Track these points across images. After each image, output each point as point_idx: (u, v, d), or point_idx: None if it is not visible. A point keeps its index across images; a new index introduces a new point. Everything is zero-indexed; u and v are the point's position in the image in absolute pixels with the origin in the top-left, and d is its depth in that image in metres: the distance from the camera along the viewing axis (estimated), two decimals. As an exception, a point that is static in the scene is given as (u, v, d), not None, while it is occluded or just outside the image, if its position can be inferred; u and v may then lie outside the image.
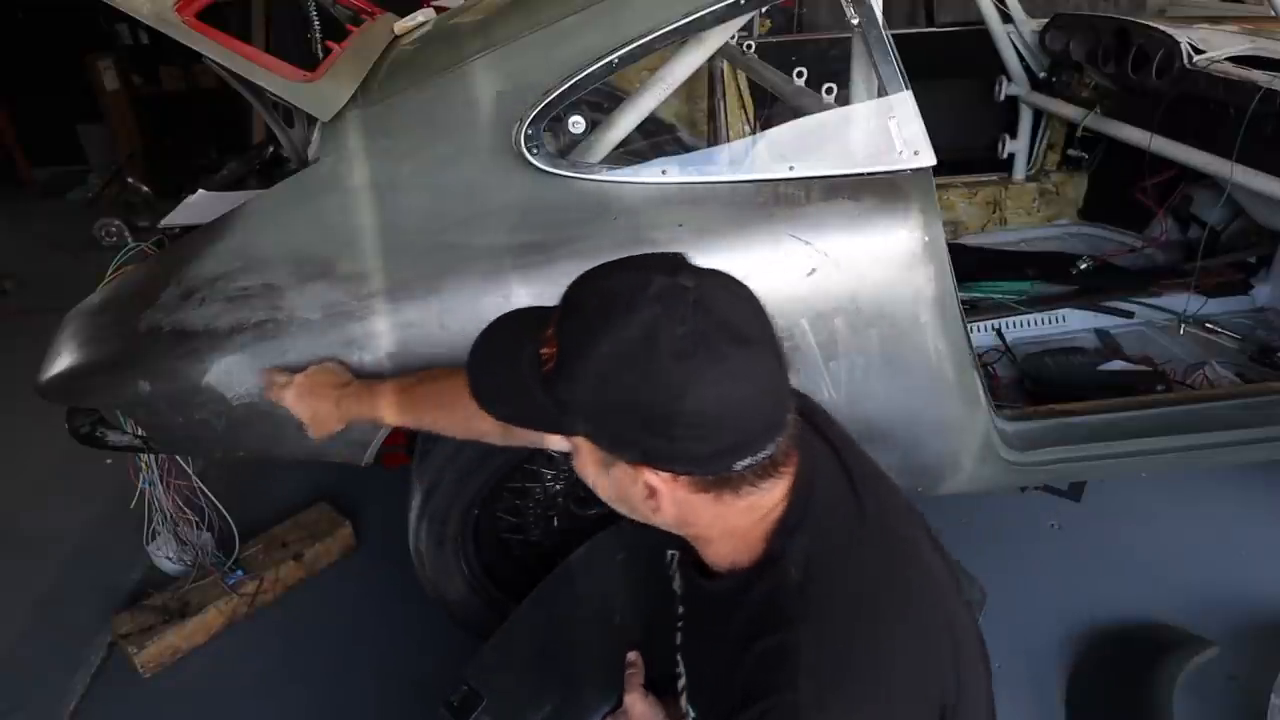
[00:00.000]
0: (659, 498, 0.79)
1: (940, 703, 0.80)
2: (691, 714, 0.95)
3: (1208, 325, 2.34)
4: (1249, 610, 1.94)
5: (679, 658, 0.99)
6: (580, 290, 0.80)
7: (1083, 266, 2.60)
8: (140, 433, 1.51)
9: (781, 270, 1.44)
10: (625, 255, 0.84)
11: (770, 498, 0.81)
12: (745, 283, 0.80)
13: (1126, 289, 2.46)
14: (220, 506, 1.88)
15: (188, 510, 1.87)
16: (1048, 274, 2.60)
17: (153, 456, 1.73)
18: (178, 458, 1.77)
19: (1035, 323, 2.40)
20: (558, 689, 1.27)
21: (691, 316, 0.72)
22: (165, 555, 2.05)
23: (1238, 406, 1.82)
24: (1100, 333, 2.39)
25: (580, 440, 0.81)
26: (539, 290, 1.43)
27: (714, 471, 0.76)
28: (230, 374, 1.43)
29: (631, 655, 1.20)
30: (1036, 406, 1.83)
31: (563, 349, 0.76)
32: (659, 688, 1.18)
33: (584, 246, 1.45)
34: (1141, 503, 2.27)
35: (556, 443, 0.88)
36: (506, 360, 0.83)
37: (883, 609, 0.79)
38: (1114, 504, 2.25)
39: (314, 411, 1.36)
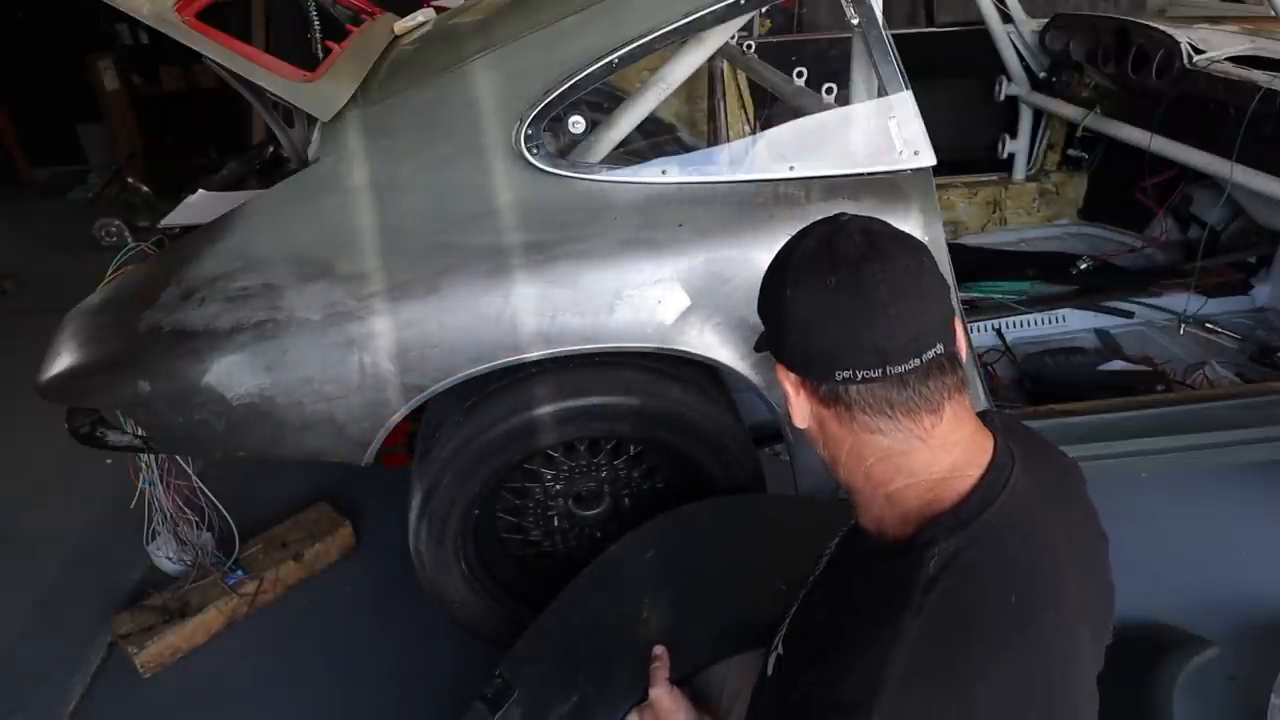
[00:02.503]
0: (791, 402, 0.88)
1: None
2: (779, 650, 0.97)
3: (1208, 325, 2.34)
4: (1249, 610, 1.94)
5: (797, 608, 1.00)
6: None
7: (1083, 266, 2.60)
8: (140, 433, 1.51)
9: (781, 270, 1.44)
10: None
11: (912, 459, 0.83)
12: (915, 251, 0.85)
13: (1126, 289, 2.46)
14: (220, 506, 1.89)
15: (188, 510, 1.88)
16: (1048, 274, 2.60)
17: (153, 456, 1.73)
18: (178, 458, 1.77)
19: (1035, 323, 2.40)
20: (586, 681, 1.29)
21: (828, 234, 0.84)
22: (165, 555, 2.05)
23: (1238, 406, 1.82)
24: (1100, 333, 2.39)
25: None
26: (540, 290, 1.43)
27: (818, 376, 0.83)
28: (230, 374, 1.43)
29: (658, 649, 1.21)
30: (1036, 406, 1.83)
31: None
32: (684, 683, 1.19)
33: (584, 246, 1.45)
34: (1141, 503, 2.27)
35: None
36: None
37: (994, 637, 0.78)
38: (1114, 504, 2.23)
39: None
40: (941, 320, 0.82)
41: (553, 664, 1.35)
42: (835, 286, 0.81)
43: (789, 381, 0.87)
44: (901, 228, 1.48)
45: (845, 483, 0.90)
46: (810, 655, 0.85)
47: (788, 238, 0.90)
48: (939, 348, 0.81)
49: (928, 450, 0.83)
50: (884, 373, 0.80)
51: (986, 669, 0.76)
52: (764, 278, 0.88)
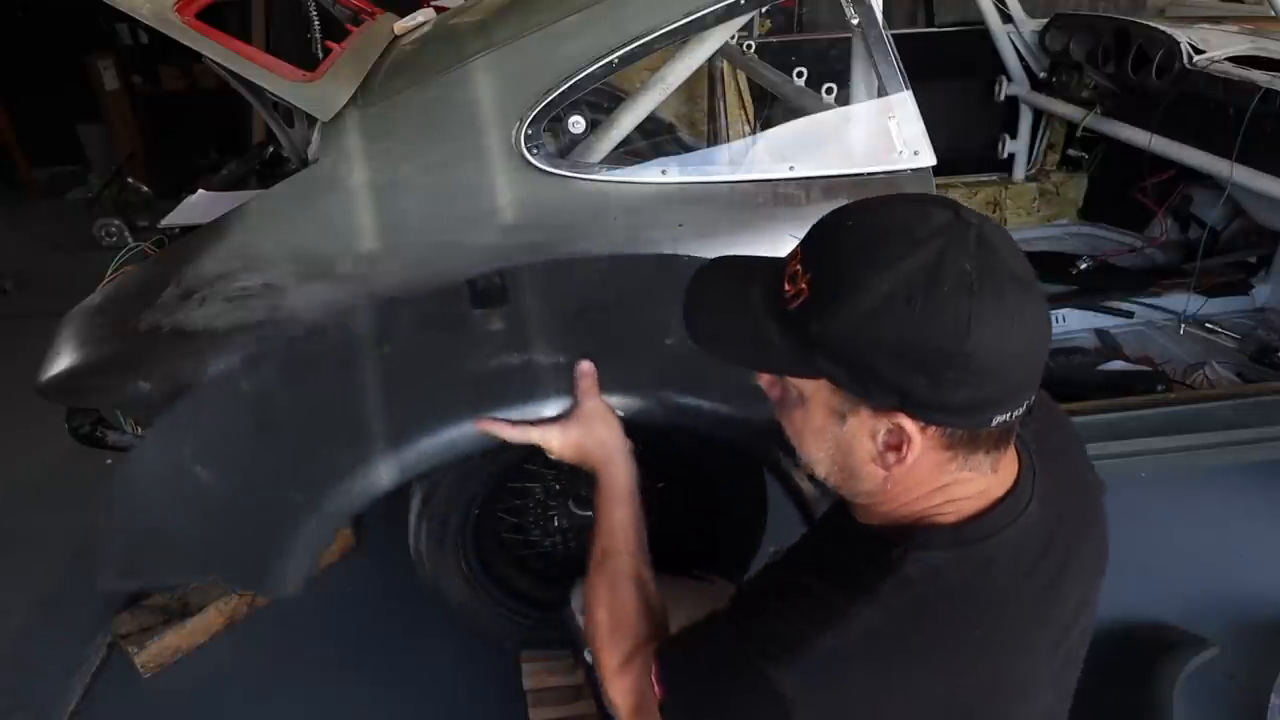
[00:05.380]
0: (908, 450, 0.73)
1: None
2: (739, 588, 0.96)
3: (1208, 325, 2.34)
4: (1249, 610, 1.94)
5: (767, 563, 0.99)
6: (838, 225, 0.77)
7: (1083, 266, 2.60)
8: (140, 433, 1.51)
9: (781, 270, 1.44)
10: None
11: (964, 487, 0.77)
12: None
13: (1126, 289, 2.46)
14: (220, 506, 1.88)
15: (188, 510, 1.87)
16: (1048, 274, 2.60)
17: (153, 456, 1.73)
18: (178, 458, 1.77)
19: (1035, 323, 2.40)
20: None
21: (976, 252, 0.68)
22: (165, 555, 2.05)
23: (1238, 406, 1.82)
24: (1100, 333, 2.39)
25: (813, 385, 0.75)
26: (539, 290, 1.43)
27: (970, 424, 0.71)
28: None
29: (584, 364, 1.18)
30: (1037, 406, 1.82)
31: (820, 284, 0.72)
32: None
33: (584, 246, 1.45)
34: (1141, 503, 2.27)
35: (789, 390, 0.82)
36: (731, 301, 0.81)
37: (939, 661, 0.75)
38: (1114, 504, 2.24)
39: (604, 441, 1.19)
40: None
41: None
42: (1024, 316, 0.68)
43: (891, 431, 0.73)
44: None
45: (869, 500, 0.82)
46: (763, 596, 0.85)
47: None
48: None
49: (984, 480, 0.77)
50: (1027, 408, 0.71)
51: (915, 685, 0.75)
52: (891, 310, 0.68)
